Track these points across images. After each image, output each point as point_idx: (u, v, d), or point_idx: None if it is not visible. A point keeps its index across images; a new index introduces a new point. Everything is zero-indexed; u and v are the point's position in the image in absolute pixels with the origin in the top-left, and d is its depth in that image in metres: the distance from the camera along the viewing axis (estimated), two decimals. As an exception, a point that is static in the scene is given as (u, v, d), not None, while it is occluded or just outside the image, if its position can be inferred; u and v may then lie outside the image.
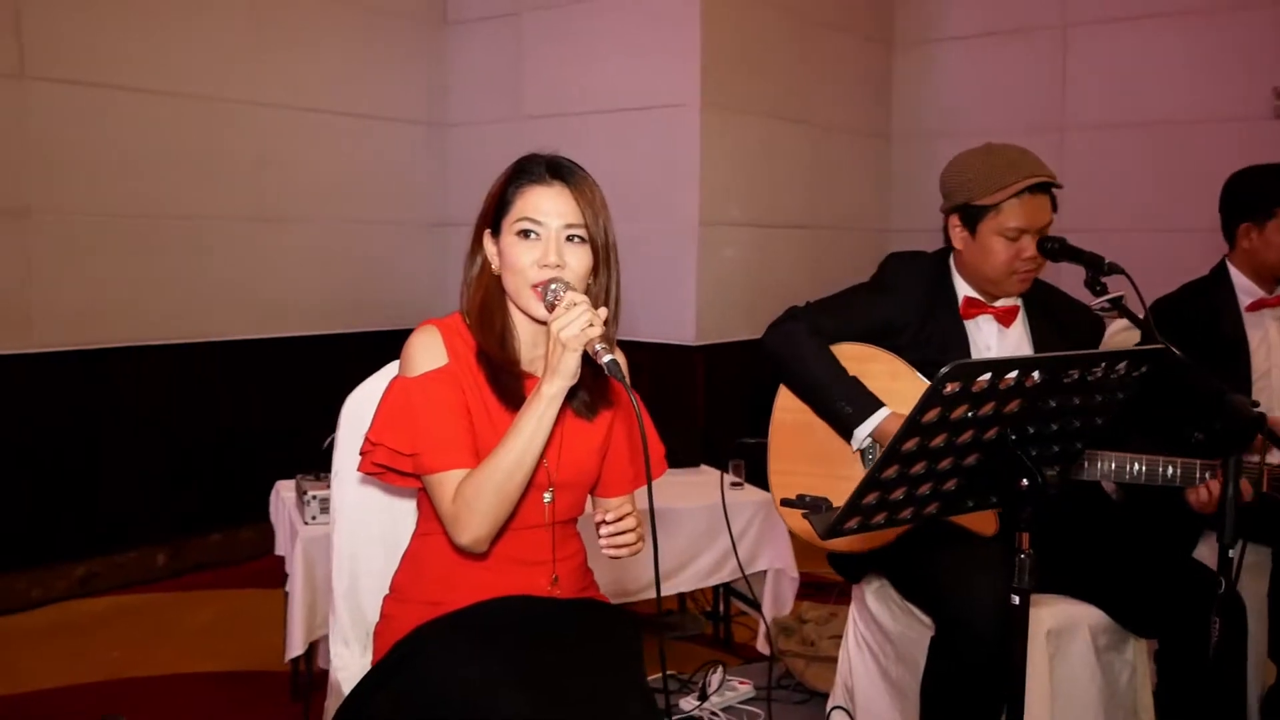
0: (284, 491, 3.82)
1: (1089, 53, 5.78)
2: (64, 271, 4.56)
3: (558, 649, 1.84)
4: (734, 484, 3.93)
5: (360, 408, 2.17)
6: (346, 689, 1.99)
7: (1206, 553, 2.82)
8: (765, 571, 3.88)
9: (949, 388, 1.50)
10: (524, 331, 2.00)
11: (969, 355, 2.59)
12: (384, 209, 5.75)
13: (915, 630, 2.56)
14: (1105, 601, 2.52)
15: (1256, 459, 2.37)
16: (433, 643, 1.86)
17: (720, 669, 3.52)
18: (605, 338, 1.78)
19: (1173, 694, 2.42)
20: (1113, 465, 2.40)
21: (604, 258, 1.96)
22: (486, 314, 1.97)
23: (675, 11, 5.18)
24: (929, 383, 1.88)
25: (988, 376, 1.54)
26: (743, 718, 3.36)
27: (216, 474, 5.12)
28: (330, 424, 2.27)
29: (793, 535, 2.84)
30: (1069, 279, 2.60)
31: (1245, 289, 3.05)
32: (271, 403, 5.26)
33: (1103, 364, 1.63)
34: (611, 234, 1.98)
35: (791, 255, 5.72)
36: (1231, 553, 2.04)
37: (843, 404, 2.50)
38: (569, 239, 1.92)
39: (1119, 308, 2.35)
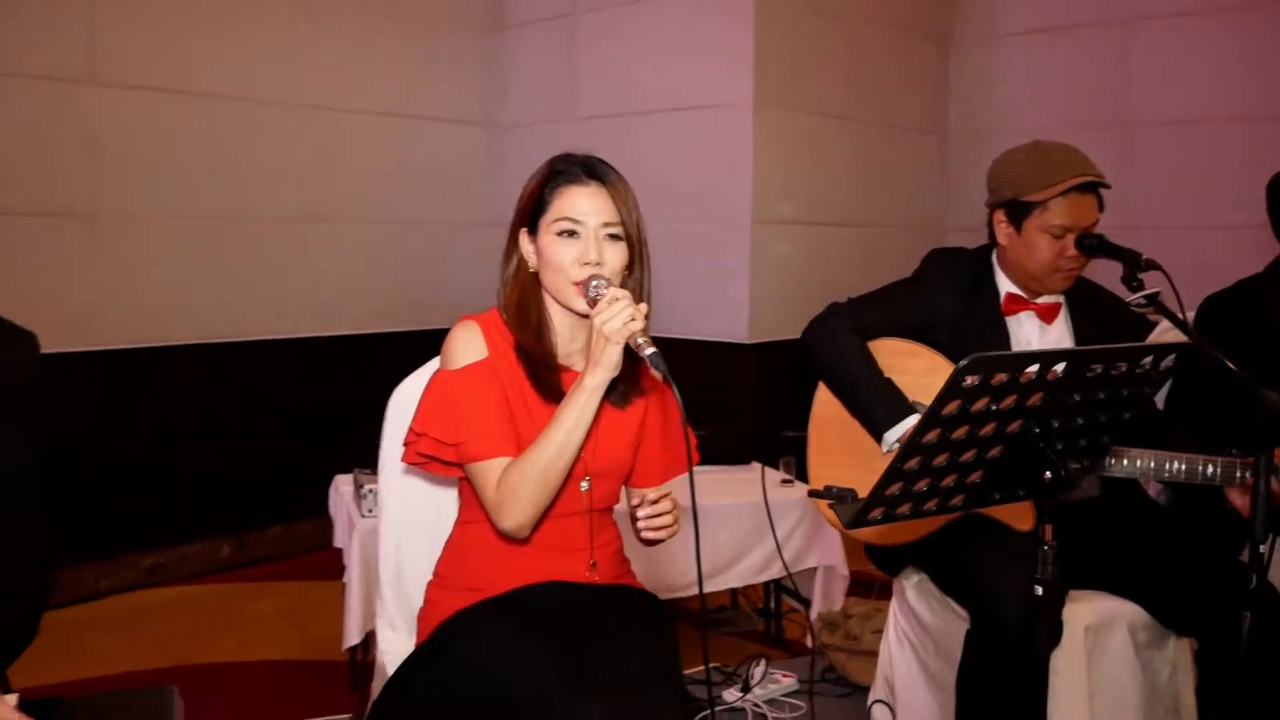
0: (342, 485, 3.91)
1: (1152, 48, 5.69)
2: (130, 271, 4.70)
3: (592, 634, 1.89)
4: (784, 481, 3.95)
5: (405, 402, 2.23)
6: (391, 670, 2.05)
7: (1252, 553, 2.79)
8: (816, 568, 3.90)
9: (968, 380, 1.52)
10: (560, 326, 2.06)
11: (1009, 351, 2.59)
12: (439, 209, 5.84)
13: (953, 624, 2.57)
14: (1144, 598, 2.51)
15: None
16: (473, 626, 1.92)
17: (763, 662, 3.55)
18: (645, 331, 1.83)
19: (1213, 692, 2.41)
20: (1151, 463, 2.39)
21: (638, 253, 2.03)
22: (523, 310, 2.03)
23: (729, 11, 5.20)
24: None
25: (1007, 370, 1.55)
26: (785, 710, 3.39)
27: (278, 469, 5.24)
28: (383, 419, 2.34)
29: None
30: (1108, 275, 2.59)
31: None
32: (331, 399, 5.37)
33: (1126, 358, 1.64)
34: (643, 230, 2.04)
35: (846, 253, 5.71)
36: (1263, 548, 2.02)
37: (875, 407, 2.53)
38: (607, 237, 1.98)
39: (1155, 304, 2.34)
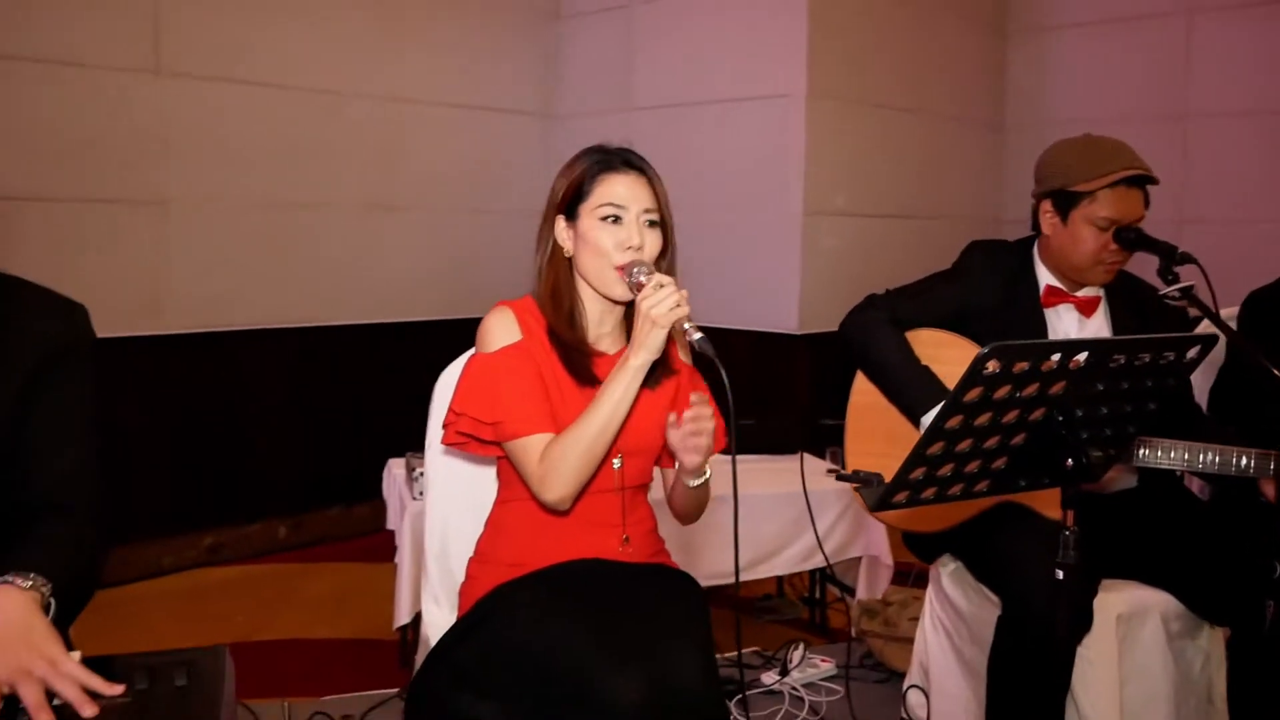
0: (395, 469, 3.99)
1: (1213, 39, 5.62)
2: (195, 258, 4.81)
3: (627, 608, 1.95)
4: (830, 471, 3.96)
5: (450, 386, 2.29)
6: (434, 642, 2.13)
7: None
8: (860, 558, 3.93)
9: (989, 367, 1.55)
10: (591, 311, 2.14)
11: None
12: (496, 199, 5.90)
13: (987, 611, 2.60)
14: (1177, 588, 2.52)
15: None
16: (511, 600, 2.00)
17: (802, 646, 3.60)
18: (690, 317, 1.90)
19: (1244, 682, 2.41)
20: (1185, 455, 2.40)
21: (670, 240, 2.11)
22: (557, 295, 2.11)
23: (783, 2, 5.22)
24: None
25: (1028, 358, 1.58)
26: (821, 694, 3.42)
27: (334, 452, 5.35)
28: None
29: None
30: (1145, 268, 2.59)
31: None
32: (387, 384, 5.47)
33: (1149, 349, 1.66)
34: (672, 218, 2.12)
35: (899, 244, 5.70)
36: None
37: (912, 391, 2.56)
38: (647, 224, 2.06)
39: (1188, 297, 2.35)
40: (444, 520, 2.39)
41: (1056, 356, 1.60)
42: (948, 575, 2.82)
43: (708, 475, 2.08)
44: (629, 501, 2.15)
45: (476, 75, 5.83)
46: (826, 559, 3.64)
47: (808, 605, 4.27)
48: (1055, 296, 2.65)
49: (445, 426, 2.10)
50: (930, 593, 2.93)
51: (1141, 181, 2.54)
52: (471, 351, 2.18)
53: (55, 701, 1.24)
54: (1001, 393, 1.61)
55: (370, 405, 5.44)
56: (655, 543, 2.23)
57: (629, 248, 2.02)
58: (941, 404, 1.62)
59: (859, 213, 5.53)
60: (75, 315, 1.74)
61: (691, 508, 2.20)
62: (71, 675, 1.27)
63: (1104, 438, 1.77)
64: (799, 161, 5.22)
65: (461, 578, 2.22)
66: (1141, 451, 2.43)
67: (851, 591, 3.96)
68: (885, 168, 5.68)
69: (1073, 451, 1.68)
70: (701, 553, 3.52)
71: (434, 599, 2.35)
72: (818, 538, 3.34)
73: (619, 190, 2.04)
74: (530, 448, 1.99)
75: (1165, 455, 2.41)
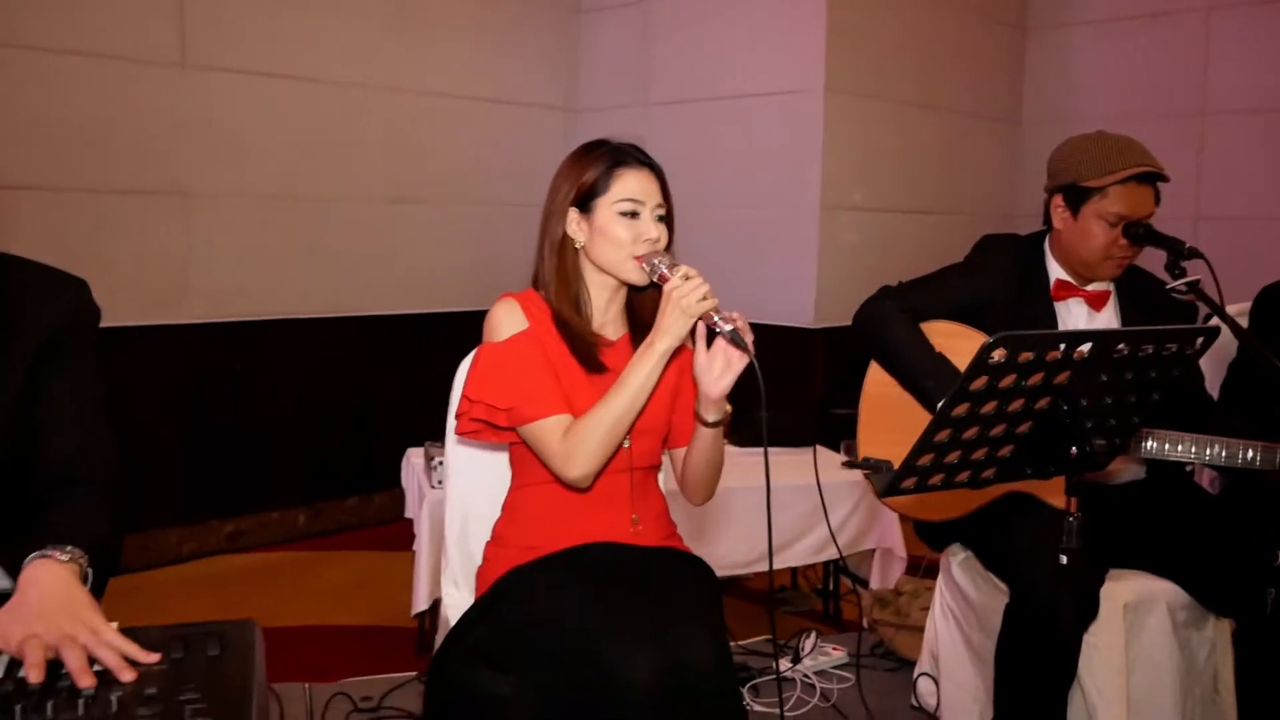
0: (414, 458, 4.04)
1: (1231, 37, 5.62)
2: (218, 248, 4.88)
3: (640, 588, 2.02)
4: (844, 463, 3.99)
5: (466, 375, 2.36)
6: (454, 622, 2.19)
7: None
8: (874, 550, 3.96)
9: (994, 356, 1.59)
10: (597, 299, 2.23)
11: None
12: (513, 191, 5.93)
13: (996, 599, 2.63)
14: (1183, 578, 2.56)
15: None
16: (528, 580, 2.07)
17: (814, 634, 3.64)
18: (718, 308, 1.99)
19: (1250, 671, 2.44)
20: (1191, 447, 2.43)
21: (671, 232, 2.20)
22: (565, 283, 2.19)
23: (801, -2, 5.25)
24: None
25: (1033, 348, 1.61)
26: (833, 681, 3.47)
27: (353, 441, 5.42)
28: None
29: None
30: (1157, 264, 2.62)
31: None
32: (404, 374, 5.54)
33: (1151, 341, 1.69)
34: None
35: (916, 240, 5.73)
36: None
37: (928, 380, 2.59)
38: (658, 218, 2.16)
39: (1195, 290, 2.38)
40: (464, 505, 2.45)
41: (1061, 347, 1.64)
42: (958, 564, 2.87)
43: (728, 411, 2.12)
44: (638, 482, 2.22)
45: (497, 69, 5.88)
46: (840, 551, 3.67)
47: (821, 597, 4.31)
48: (1066, 290, 2.68)
49: (458, 416, 2.18)
50: (940, 582, 2.98)
51: (1152, 178, 2.57)
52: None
53: (95, 668, 1.29)
54: (1007, 381, 1.65)
55: (389, 395, 5.50)
56: (667, 525, 2.29)
57: (646, 239, 2.12)
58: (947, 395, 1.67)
59: (875, 208, 5.56)
60: (77, 291, 1.78)
61: (704, 468, 2.21)
62: (112, 643, 1.32)
63: (1108, 427, 1.81)
64: (816, 156, 5.26)
65: (480, 561, 2.28)
66: (1149, 444, 2.47)
67: (864, 583, 4.00)
68: (902, 163, 5.71)
69: (1077, 440, 1.72)
70: (715, 544, 3.57)
71: (454, 581, 2.42)
72: (831, 530, 3.38)
73: (637, 186, 2.14)
74: (549, 428, 2.06)
75: (1173, 448, 2.44)
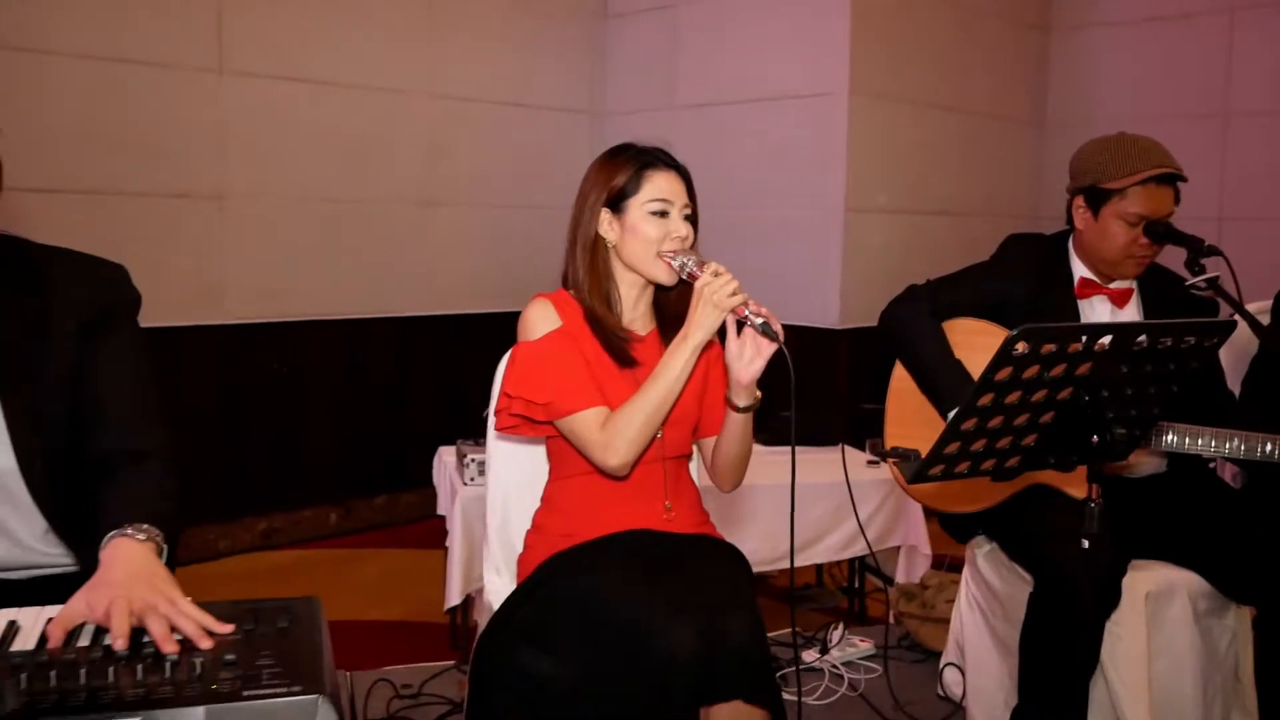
0: (445, 456, 4.10)
1: (1255, 38, 5.64)
2: (253, 250, 4.97)
3: (677, 568, 2.11)
4: (870, 462, 4.05)
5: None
6: (496, 607, 2.27)
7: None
8: (899, 547, 4.01)
9: (1018, 348, 1.66)
10: (627, 296, 2.33)
11: None
12: (543, 194, 6.00)
13: (1020, 590, 2.69)
14: (1204, 568, 2.62)
15: None
16: (569, 564, 2.17)
17: (841, 626, 3.71)
18: (747, 303, 2.07)
19: (1270, 660, 2.49)
20: (1211, 440, 2.48)
21: (697, 233, 2.30)
22: (598, 281, 2.29)
23: (826, 0, 5.30)
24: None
25: (1055, 341, 1.68)
26: (860, 672, 3.53)
27: (385, 440, 5.51)
28: (489, 395, 2.54)
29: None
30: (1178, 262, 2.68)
31: None
32: (435, 374, 5.62)
33: (1170, 334, 1.75)
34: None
35: (940, 241, 5.77)
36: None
37: (943, 388, 2.66)
38: (685, 217, 2.26)
39: (1214, 287, 2.44)
40: (504, 497, 2.54)
41: (1083, 339, 1.70)
42: (982, 556, 2.93)
43: (758, 397, 2.19)
44: (671, 471, 2.31)
45: (525, 73, 5.96)
46: (869, 545, 3.72)
47: (846, 595, 4.35)
48: (1089, 288, 2.75)
49: (497, 413, 2.27)
50: (966, 573, 3.04)
51: (1171, 179, 2.63)
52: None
53: (176, 636, 1.37)
54: (1030, 373, 1.72)
55: (420, 395, 5.59)
56: (700, 514, 2.38)
57: (675, 237, 2.22)
58: (973, 386, 1.73)
59: (900, 209, 5.61)
60: (116, 275, 1.88)
61: (734, 456, 2.29)
62: (190, 614, 1.41)
63: (1129, 417, 1.87)
64: (841, 158, 5.31)
65: (519, 548, 2.38)
66: (1169, 437, 2.52)
67: (890, 580, 4.05)
68: (926, 165, 5.76)
69: (1098, 429, 1.79)
70: (740, 542, 3.60)
71: (495, 569, 2.51)
72: (861, 528, 3.44)
73: (667, 187, 2.24)
74: (587, 420, 2.15)
75: (1192, 441, 2.50)
